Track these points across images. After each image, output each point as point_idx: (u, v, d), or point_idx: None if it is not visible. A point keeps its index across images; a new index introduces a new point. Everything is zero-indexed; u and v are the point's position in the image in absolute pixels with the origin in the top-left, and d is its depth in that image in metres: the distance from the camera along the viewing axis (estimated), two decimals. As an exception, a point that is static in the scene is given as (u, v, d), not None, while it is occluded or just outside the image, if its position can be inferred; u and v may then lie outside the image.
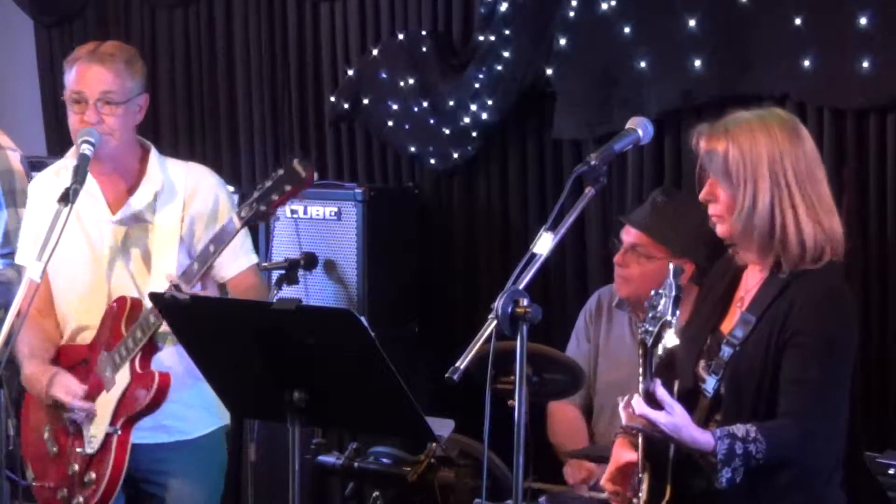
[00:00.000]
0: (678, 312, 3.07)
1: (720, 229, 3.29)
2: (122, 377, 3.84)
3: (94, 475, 3.87)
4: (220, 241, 3.67)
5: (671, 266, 3.11)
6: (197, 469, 3.98)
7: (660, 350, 3.09)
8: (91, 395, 3.90)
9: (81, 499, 3.89)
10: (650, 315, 3.10)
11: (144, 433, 3.91)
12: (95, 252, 3.98)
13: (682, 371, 3.31)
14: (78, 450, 3.92)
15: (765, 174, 3.19)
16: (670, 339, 3.07)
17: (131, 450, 3.88)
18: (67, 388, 3.89)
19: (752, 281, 3.33)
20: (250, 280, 4.03)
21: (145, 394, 3.81)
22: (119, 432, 3.84)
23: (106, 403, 3.87)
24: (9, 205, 4.54)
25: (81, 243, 3.99)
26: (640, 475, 3.18)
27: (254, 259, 4.07)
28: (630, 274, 4.43)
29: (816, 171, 3.24)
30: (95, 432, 3.89)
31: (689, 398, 3.23)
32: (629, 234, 4.46)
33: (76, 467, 3.92)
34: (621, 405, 3.18)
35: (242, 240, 3.95)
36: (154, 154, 4.03)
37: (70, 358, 3.99)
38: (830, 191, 3.28)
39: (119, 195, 4.00)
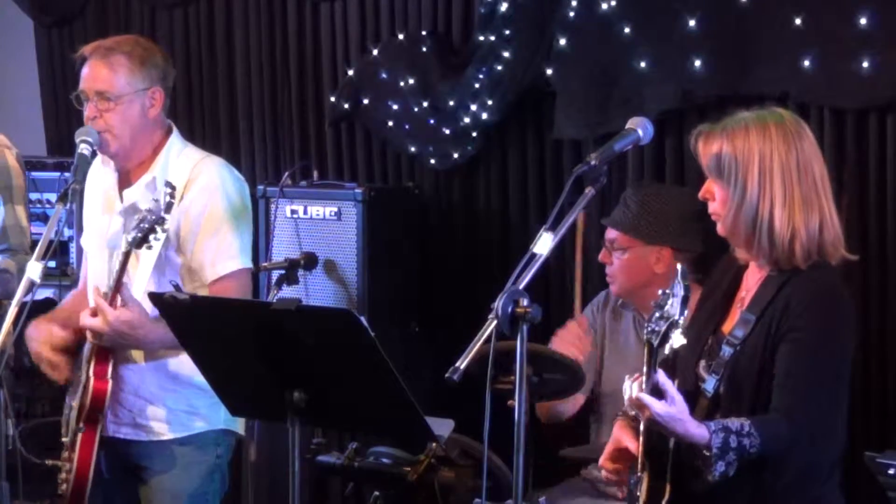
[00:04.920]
0: (686, 312, 3.08)
1: (718, 227, 3.32)
2: (83, 377, 3.84)
3: (69, 466, 3.88)
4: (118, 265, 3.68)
5: (678, 266, 3.14)
6: (173, 468, 3.93)
7: (666, 350, 3.10)
8: (77, 382, 3.91)
9: (65, 486, 3.90)
10: (657, 315, 3.11)
11: (128, 430, 3.93)
12: (104, 240, 3.97)
13: (682, 371, 3.31)
14: (63, 439, 3.95)
15: (754, 172, 3.22)
16: (677, 340, 3.09)
17: (122, 442, 3.91)
18: (40, 334, 3.87)
19: (752, 280, 3.34)
20: (227, 290, 3.85)
21: (85, 398, 3.80)
22: (82, 430, 3.82)
23: (76, 401, 3.88)
24: (6, 202, 4.54)
25: (100, 231, 3.99)
26: (640, 474, 3.18)
27: (236, 265, 3.88)
28: (612, 270, 4.54)
29: (810, 171, 3.24)
30: (71, 425, 3.90)
31: (690, 398, 3.23)
32: (608, 233, 4.57)
33: (66, 454, 3.94)
34: (626, 383, 3.19)
35: (229, 242, 3.86)
36: (169, 143, 3.94)
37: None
38: (830, 192, 3.28)
39: (132, 184, 3.94)
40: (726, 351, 3.24)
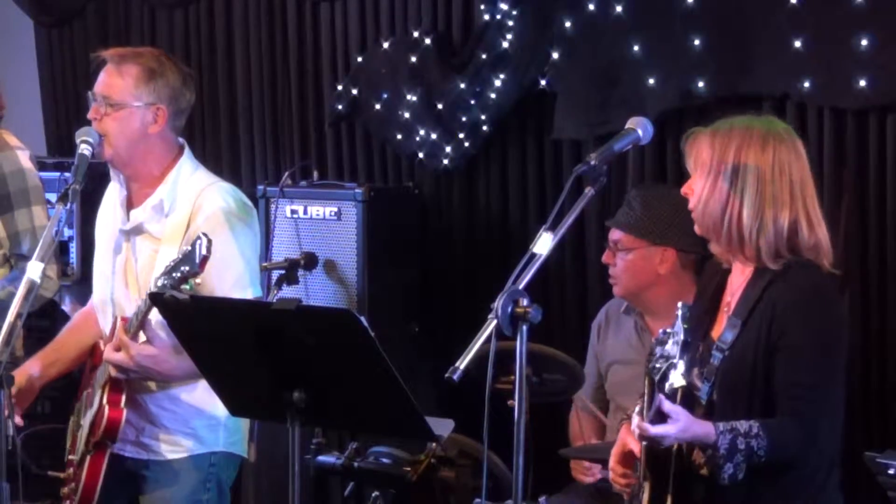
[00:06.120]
0: (686, 357, 3.09)
1: (696, 226, 3.34)
2: (97, 402, 3.83)
3: (74, 485, 3.89)
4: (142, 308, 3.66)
5: (679, 306, 3.13)
6: (167, 488, 3.91)
7: (666, 388, 3.11)
8: (88, 403, 3.92)
9: (69, 502, 3.90)
10: (658, 353, 3.12)
11: (131, 448, 3.91)
12: (111, 258, 3.95)
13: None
14: (71, 456, 3.95)
15: (728, 164, 3.26)
16: (677, 380, 3.09)
17: (124, 458, 3.89)
18: (24, 371, 3.91)
19: (736, 283, 3.36)
20: None
21: (98, 427, 3.79)
22: (91, 453, 3.82)
23: (87, 421, 3.88)
24: (19, 206, 4.51)
25: (107, 248, 3.97)
26: (642, 482, 3.19)
27: (248, 295, 3.81)
28: (616, 272, 4.57)
29: (786, 173, 3.25)
30: (80, 446, 3.90)
31: (685, 406, 3.23)
32: (612, 234, 4.60)
33: (71, 471, 3.95)
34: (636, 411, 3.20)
35: (240, 273, 3.80)
36: (178, 165, 3.87)
37: (95, 357, 3.99)
38: (813, 199, 3.29)
39: (140, 204, 3.89)
40: (716, 357, 3.26)
